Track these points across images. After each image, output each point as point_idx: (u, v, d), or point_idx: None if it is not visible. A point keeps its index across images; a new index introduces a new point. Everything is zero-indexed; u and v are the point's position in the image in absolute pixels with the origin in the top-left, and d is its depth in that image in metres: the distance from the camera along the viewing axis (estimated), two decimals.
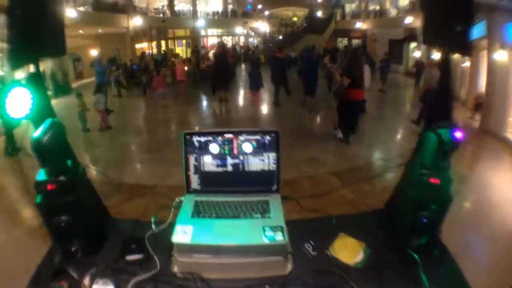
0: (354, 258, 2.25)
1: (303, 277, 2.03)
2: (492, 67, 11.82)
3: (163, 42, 38.58)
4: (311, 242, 2.32)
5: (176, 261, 2.02)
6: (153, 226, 2.34)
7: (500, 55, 11.26)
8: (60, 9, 2.61)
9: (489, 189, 7.00)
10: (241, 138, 2.27)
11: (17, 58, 2.27)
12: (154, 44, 36.45)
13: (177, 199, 2.36)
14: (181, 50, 40.45)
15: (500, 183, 7.45)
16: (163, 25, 37.04)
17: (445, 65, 2.66)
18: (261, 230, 1.98)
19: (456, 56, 8.79)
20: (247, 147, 2.27)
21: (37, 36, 2.33)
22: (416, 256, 2.20)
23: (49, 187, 2.14)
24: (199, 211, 2.17)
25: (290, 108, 13.30)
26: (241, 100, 16.68)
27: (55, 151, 2.13)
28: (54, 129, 2.14)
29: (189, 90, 17.39)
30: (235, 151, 2.28)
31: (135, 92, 18.97)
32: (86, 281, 2.01)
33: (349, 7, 45.77)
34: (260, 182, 2.35)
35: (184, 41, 41.78)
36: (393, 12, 35.12)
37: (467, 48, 2.42)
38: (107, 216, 2.81)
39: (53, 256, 2.33)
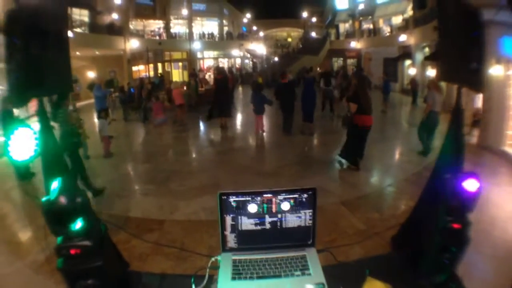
0: None
1: None
2: (489, 83, 11.76)
3: (159, 65, 38.77)
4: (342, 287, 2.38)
5: None
6: None
7: (496, 70, 11.39)
8: (66, 39, 2.54)
9: (489, 207, 6.84)
10: (280, 197, 2.30)
11: (20, 94, 2.21)
12: (151, 66, 36.42)
13: (212, 258, 2.34)
14: (178, 72, 40.75)
15: (500, 199, 7.43)
16: (160, 47, 37.29)
17: (456, 108, 2.94)
18: None
19: None
20: (285, 206, 2.31)
21: (40, 70, 2.26)
22: None
23: (72, 251, 2.10)
24: (239, 272, 2.17)
25: (292, 135, 13.24)
26: (241, 126, 16.65)
27: (72, 212, 2.06)
28: (67, 187, 2.08)
29: (187, 115, 17.15)
30: (274, 210, 2.31)
31: (133, 117, 18.72)
32: None
33: (343, 27, 46.17)
34: (297, 237, 2.38)
35: (180, 64, 42.07)
36: (386, 30, 35.43)
37: (480, 84, 2.57)
38: (127, 269, 2.77)
39: None
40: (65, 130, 7.30)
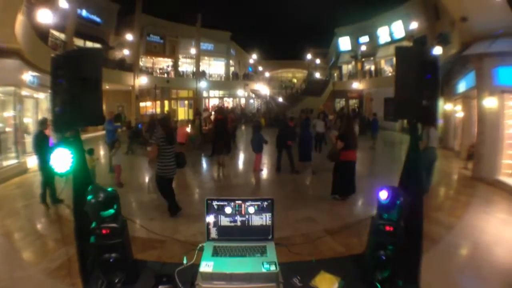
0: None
1: None
2: (482, 116, 12.41)
3: (166, 102, 39.48)
4: (298, 277, 3.15)
5: (200, 287, 2.82)
6: (184, 261, 3.19)
7: (490, 102, 11.86)
8: (100, 83, 3.32)
9: (477, 233, 7.62)
10: (247, 203, 3.25)
11: (61, 124, 3.02)
12: (158, 103, 37.25)
13: (200, 245, 3.24)
14: (183, 110, 41.34)
15: (489, 225, 8.11)
16: (167, 85, 38.12)
17: (413, 133, 3.45)
18: (260, 264, 2.89)
19: (449, 107, 10.16)
20: (251, 209, 3.24)
21: (79, 105, 3.04)
22: (378, 285, 2.97)
23: (103, 231, 2.96)
24: (217, 252, 3.08)
25: (287, 172, 13.98)
26: (239, 164, 17.34)
27: (107, 204, 2.95)
28: (103, 192, 2.96)
29: (189, 153, 17.03)
30: (243, 212, 3.25)
31: (140, 152, 19.51)
32: None
33: (346, 68, 46.81)
34: (260, 233, 3.28)
35: (186, 102, 42.69)
36: (388, 70, 36.26)
37: (432, 119, 3.21)
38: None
39: None
40: None
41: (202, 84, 42.24)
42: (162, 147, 8.24)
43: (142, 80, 35.01)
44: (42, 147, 9.07)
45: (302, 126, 14.56)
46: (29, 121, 17.00)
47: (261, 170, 14.35)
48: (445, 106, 20.61)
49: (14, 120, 14.79)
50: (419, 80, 3.06)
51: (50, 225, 8.40)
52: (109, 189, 3.06)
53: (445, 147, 20.16)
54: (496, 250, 6.76)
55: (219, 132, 15.03)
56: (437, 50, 19.98)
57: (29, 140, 13.90)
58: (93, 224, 2.96)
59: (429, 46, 23.58)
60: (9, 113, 14.94)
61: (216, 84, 46.29)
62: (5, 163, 13.61)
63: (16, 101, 14.73)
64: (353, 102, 45.03)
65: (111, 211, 2.98)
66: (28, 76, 15.41)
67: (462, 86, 16.55)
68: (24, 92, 15.58)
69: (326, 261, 3.65)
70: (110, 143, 13.34)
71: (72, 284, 4.69)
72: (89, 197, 2.89)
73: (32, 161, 13.96)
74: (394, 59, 3.35)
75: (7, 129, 14.69)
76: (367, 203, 10.17)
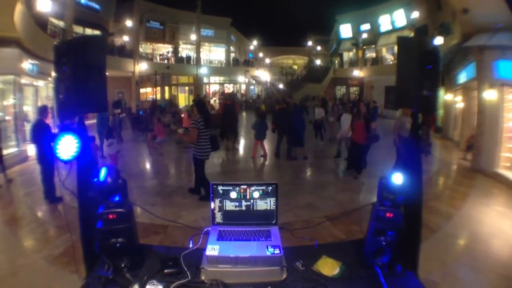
0: (332, 272, 3.06)
1: (295, 282, 2.85)
2: (482, 107, 12.44)
3: (166, 88, 39.39)
4: (301, 261, 3.17)
5: (205, 271, 2.86)
6: (190, 244, 3.22)
7: (490, 94, 11.89)
8: (104, 70, 3.31)
9: (475, 224, 7.70)
10: (252, 188, 3.27)
11: (65, 111, 2.99)
12: (158, 89, 37.17)
13: (205, 229, 3.27)
14: (184, 96, 41.26)
15: (486, 217, 8.16)
16: (168, 71, 37.81)
17: (414, 122, 3.47)
18: (265, 247, 2.91)
19: (449, 97, 10.32)
20: (256, 194, 3.27)
21: (83, 92, 3.02)
22: (378, 269, 2.95)
23: (110, 216, 2.96)
24: (222, 236, 3.10)
25: (285, 158, 14.07)
26: (244, 150, 17.31)
27: (114, 188, 2.96)
28: (111, 173, 2.97)
29: None
30: (248, 196, 3.27)
31: (140, 138, 19.66)
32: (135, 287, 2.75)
33: (347, 56, 46.57)
34: (264, 217, 3.31)
35: (187, 88, 42.56)
36: (389, 58, 36.15)
37: (432, 109, 3.21)
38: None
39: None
40: None
41: (203, 70, 42.27)
42: (201, 130, 8.49)
43: (142, 66, 35.05)
44: (42, 137, 8.60)
45: (294, 113, 14.40)
46: (29, 109, 17.00)
47: (265, 155, 14.41)
48: (445, 96, 20.59)
49: (14, 108, 14.82)
50: (420, 70, 3.09)
51: (52, 213, 8.43)
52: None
53: (445, 137, 20.22)
54: (493, 242, 6.83)
55: (227, 117, 15.09)
56: (438, 40, 19.92)
57: (29, 128, 13.94)
58: (100, 209, 2.97)
59: (430, 36, 23.54)
60: (8, 101, 14.97)
61: (216, 70, 46.26)
62: (5, 152, 13.62)
63: (16, 89, 14.75)
64: (353, 90, 44.98)
65: (119, 196, 3.00)
66: (28, 64, 15.44)
67: (463, 77, 16.55)
68: (24, 80, 15.60)
69: (328, 246, 3.69)
70: (105, 132, 13.29)
71: (75, 271, 4.72)
72: (97, 181, 2.90)
73: (32, 149, 14.00)
74: (396, 48, 3.38)
75: (7, 118, 14.72)
76: (362, 189, 10.33)
